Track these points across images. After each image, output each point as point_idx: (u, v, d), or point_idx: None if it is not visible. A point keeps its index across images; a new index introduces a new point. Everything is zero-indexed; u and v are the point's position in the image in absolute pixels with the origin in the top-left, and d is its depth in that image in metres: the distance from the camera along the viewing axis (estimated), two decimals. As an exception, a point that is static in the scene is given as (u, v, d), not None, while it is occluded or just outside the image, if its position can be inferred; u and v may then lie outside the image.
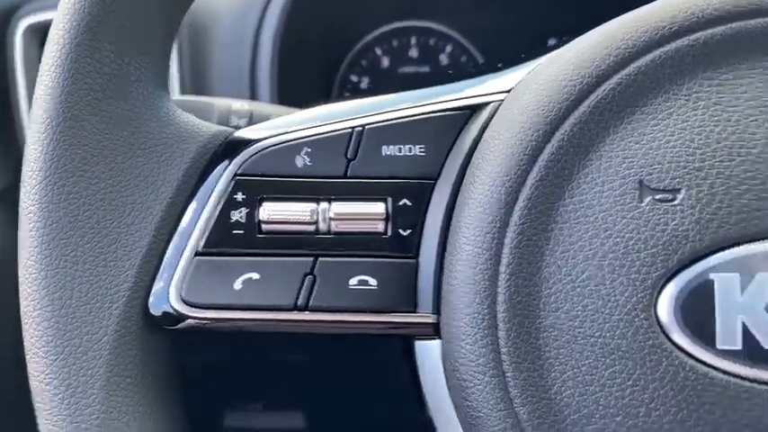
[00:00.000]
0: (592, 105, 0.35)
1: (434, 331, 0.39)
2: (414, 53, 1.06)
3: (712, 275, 0.33)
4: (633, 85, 0.35)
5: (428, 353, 0.39)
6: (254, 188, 0.40)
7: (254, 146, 0.40)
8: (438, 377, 0.39)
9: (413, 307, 0.39)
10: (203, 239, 0.39)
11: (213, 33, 0.91)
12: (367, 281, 0.39)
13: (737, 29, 0.35)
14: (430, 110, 0.41)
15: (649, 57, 0.35)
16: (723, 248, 0.33)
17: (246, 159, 0.40)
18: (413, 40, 1.06)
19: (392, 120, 0.41)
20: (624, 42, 0.36)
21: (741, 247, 0.33)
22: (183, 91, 0.90)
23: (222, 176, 0.40)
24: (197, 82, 0.91)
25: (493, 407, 0.35)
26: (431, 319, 0.39)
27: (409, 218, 0.40)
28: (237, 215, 0.39)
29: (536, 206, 0.35)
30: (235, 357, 0.57)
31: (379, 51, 1.06)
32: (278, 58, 0.89)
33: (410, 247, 0.39)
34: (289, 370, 0.58)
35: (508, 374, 0.35)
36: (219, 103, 0.60)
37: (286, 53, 0.90)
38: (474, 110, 0.40)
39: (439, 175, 0.40)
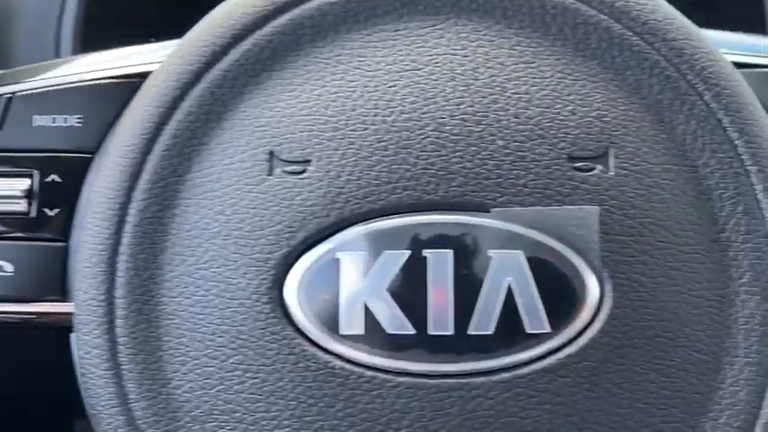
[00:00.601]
0: (225, 68, 0.32)
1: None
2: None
3: (338, 254, 0.30)
4: (270, 46, 0.32)
5: (80, 345, 0.35)
6: None
7: None
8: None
9: (61, 295, 0.35)
10: None
11: (15, 13, 0.85)
12: (1, 266, 0.35)
13: (383, -14, 0.32)
14: (94, 77, 0.37)
15: (288, 15, 0.32)
16: (350, 225, 0.30)
17: None
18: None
19: (48, 87, 0.37)
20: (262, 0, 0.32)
21: (368, 224, 0.30)
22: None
23: None
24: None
25: (106, 402, 0.31)
26: None
27: (58, 196, 0.36)
28: None
29: (162, 179, 0.32)
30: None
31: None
32: (83, 37, 0.84)
33: (59, 229, 0.36)
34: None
35: (124, 367, 0.31)
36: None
37: (96, 32, 0.85)
38: (146, 77, 0.37)
39: (98, 148, 0.36)
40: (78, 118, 0.36)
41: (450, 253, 0.30)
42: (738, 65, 0.36)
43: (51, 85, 0.36)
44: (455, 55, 0.31)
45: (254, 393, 0.30)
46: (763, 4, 0.76)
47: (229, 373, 0.30)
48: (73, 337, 0.36)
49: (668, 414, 0.30)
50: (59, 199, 0.35)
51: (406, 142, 0.30)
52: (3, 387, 0.43)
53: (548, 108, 0.31)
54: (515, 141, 0.30)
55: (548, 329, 0.29)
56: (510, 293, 0.29)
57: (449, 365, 0.30)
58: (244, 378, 0.30)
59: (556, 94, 0.31)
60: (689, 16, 0.38)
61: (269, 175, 0.31)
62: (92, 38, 0.85)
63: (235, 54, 0.32)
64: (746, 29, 0.43)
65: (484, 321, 0.29)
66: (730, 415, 0.30)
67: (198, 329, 0.31)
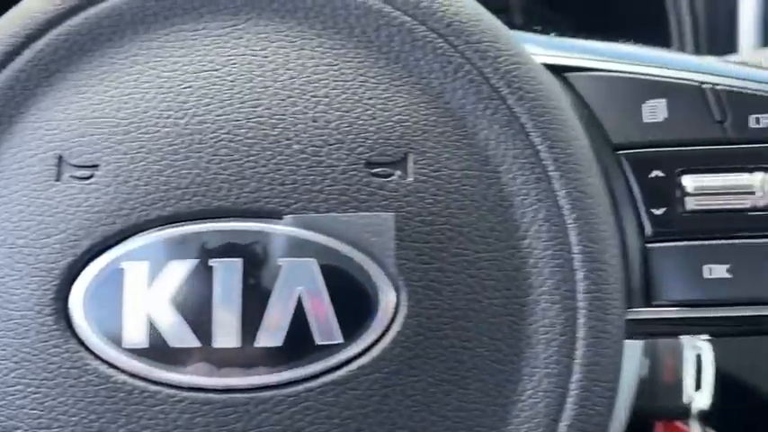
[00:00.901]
0: (18, 69, 0.31)
1: None
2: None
3: (123, 264, 0.29)
4: (65, 46, 0.31)
5: None
6: None
7: None
8: None
9: None
10: None
11: None
12: None
13: (181, -16, 0.31)
14: None
15: (85, 14, 0.31)
16: (136, 233, 0.29)
17: None
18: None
19: None
20: (56, -2, 0.31)
21: (155, 232, 0.29)
22: None
23: None
24: None
25: None
26: None
27: None
28: None
29: None
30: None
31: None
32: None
33: None
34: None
35: None
36: None
37: None
38: None
39: None
40: None
41: (239, 262, 0.29)
42: (568, 68, 0.35)
43: None
44: (254, 56, 0.30)
45: (35, 409, 0.29)
46: (667, 13, 0.77)
47: (11, 388, 0.29)
48: None
49: (465, 427, 0.29)
50: None
51: (198, 146, 0.29)
52: None
53: (347, 112, 0.30)
54: (312, 146, 0.29)
55: (340, 340, 0.28)
56: (300, 304, 0.28)
57: (235, 379, 0.28)
58: (26, 393, 0.29)
59: (356, 97, 0.30)
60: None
61: (57, 180, 0.30)
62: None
63: (28, 54, 0.31)
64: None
65: (272, 333, 0.28)
66: (529, 428, 0.29)
67: (-19, 343, 0.29)
